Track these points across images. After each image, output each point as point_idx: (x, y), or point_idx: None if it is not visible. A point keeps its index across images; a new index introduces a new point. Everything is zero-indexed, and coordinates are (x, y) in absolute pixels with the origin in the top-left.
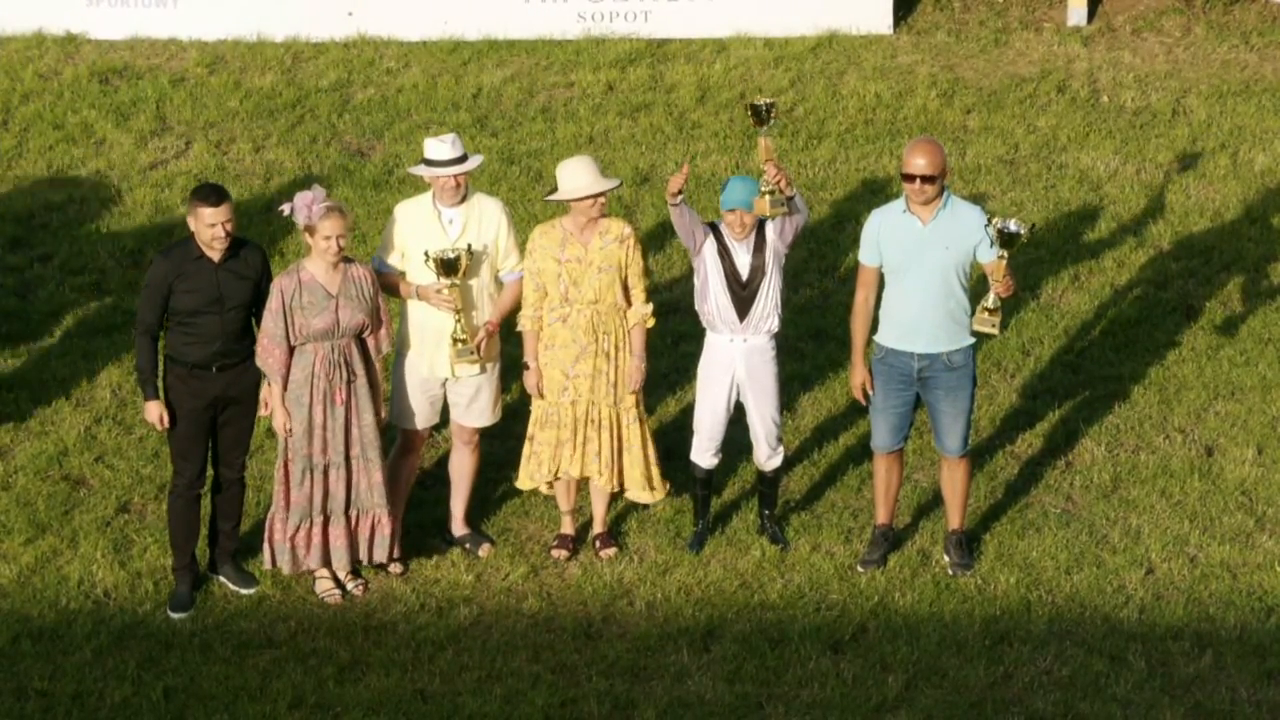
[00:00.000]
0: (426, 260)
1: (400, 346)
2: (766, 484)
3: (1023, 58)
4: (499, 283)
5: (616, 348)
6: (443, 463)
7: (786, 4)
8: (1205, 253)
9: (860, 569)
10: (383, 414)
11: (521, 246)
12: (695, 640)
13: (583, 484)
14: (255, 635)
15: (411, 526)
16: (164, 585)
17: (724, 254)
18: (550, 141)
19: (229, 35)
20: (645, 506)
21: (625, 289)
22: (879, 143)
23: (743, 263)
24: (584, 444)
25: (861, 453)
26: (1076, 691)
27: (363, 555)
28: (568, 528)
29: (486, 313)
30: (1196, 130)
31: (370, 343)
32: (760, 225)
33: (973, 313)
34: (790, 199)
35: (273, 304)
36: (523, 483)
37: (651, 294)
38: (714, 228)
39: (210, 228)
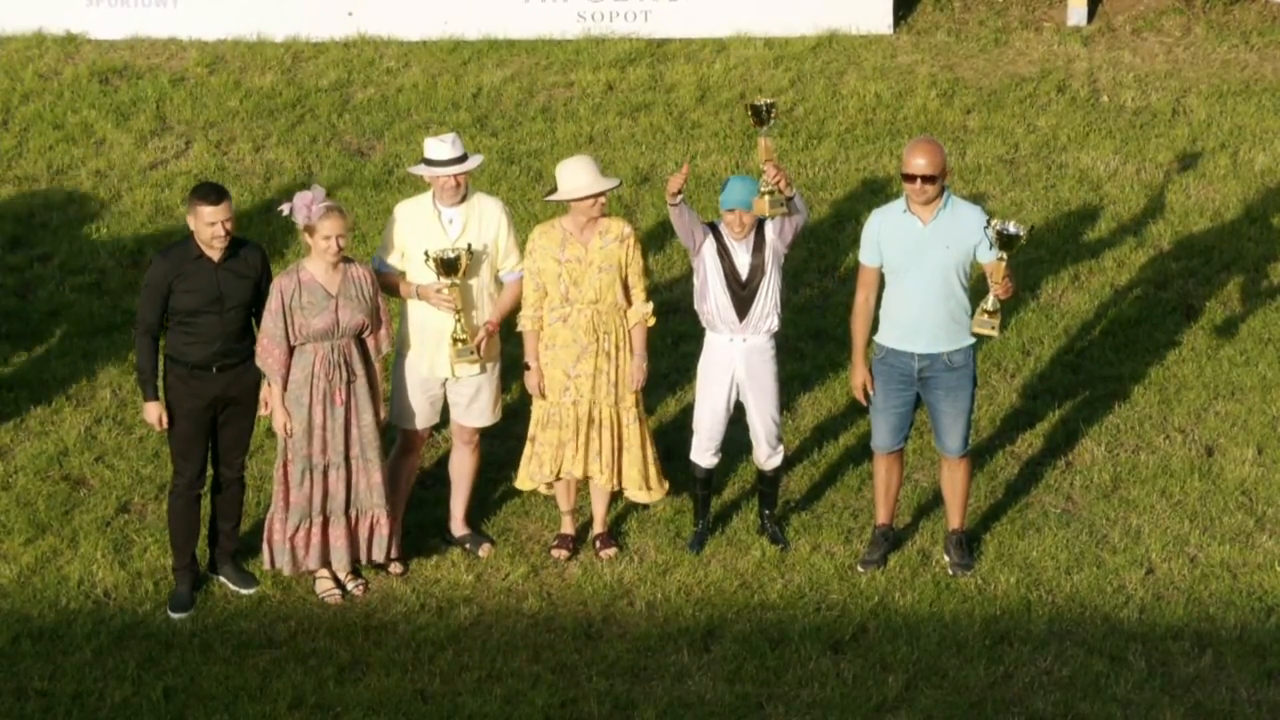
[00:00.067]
0: (426, 260)
1: (400, 346)
2: (766, 484)
3: (1023, 57)
4: (499, 283)
5: (617, 347)
6: (443, 463)
7: (786, 4)
8: (1205, 253)
9: (860, 569)
10: (382, 414)
11: (521, 246)
12: (695, 640)
13: (582, 484)
14: (255, 635)
15: (411, 526)
16: (164, 585)
17: (723, 254)
18: (550, 141)
19: (229, 35)
20: (645, 506)
21: (625, 289)
22: (879, 143)
23: (742, 262)
24: (586, 444)
25: (861, 453)
26: (1076, 691)
27: (362, 555)
28: (568, 528)
29: (486, 313)
30: (1196, 130)
31: (370, 343)
32: (760, 225)
33: (973, 313)
34: (790, 199)
35: (272, 304)
36: (522, 483)
37: (651, 294)
38: (713, 227)
39: (210, 226)
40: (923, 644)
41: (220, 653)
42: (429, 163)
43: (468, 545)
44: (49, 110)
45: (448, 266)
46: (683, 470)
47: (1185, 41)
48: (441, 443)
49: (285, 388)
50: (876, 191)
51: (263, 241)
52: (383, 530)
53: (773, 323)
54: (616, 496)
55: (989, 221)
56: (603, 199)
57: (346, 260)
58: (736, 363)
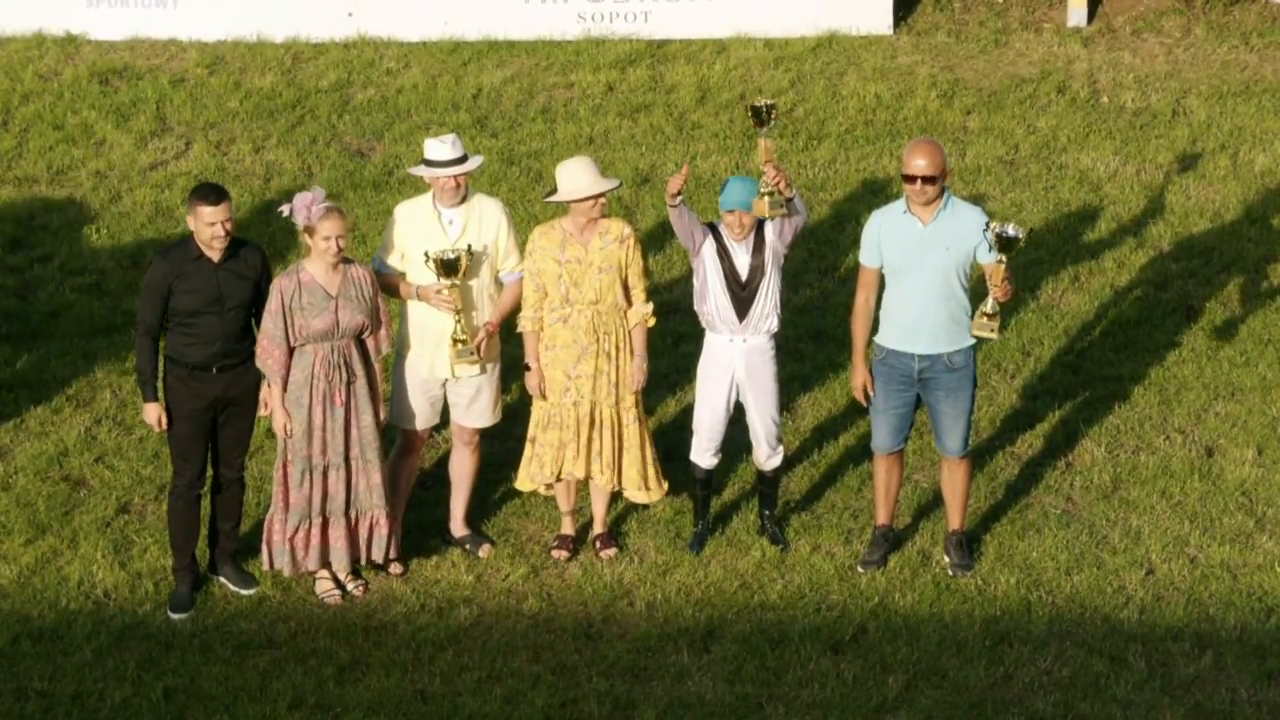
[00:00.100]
0: (426, 261)
1: (400, 347)
2: (766, 484)
3: (1023, 58)
4: (499, 283)
5: (617, 348)
6: (443, 463)
7: (786, 4)
8: (1205, 253)
9: (860, 569)
10: (382, 415)
11: (521, 247)
12: (695, 641)
13: (582, 484)
14: (255, 636)
15: (411, 527)
16: (164, 586)
17: (723, 254)
18: (550, 142)
19: (229, 36)
20: (645, 507)
21: (626, 289)
22: (879, 143)
23: (742, 263)
24: (587, 445)
25: (861, 453)
26: (1076, 692)
27: (362, 555)
28: (568, 528)
29: (486, 313)
30: (1196, 131)
31: (370, 344)
32: (759, 226)
33: (973, 314)
34: (789, 200)
35: (272, 305)
36: (522, 484)
37: (651, 294)
38: (713, 228)
39: (210, 226)
40: (923, 644)
41: (220, 653)
42: (429, 164)
43: (468, 546)
44: (49, 111)
45: (448, 267)
46: (683, 471)
47: (1185, 42)
48: (441, 443)
49: (285, 388)
50: (876, 192)
51: (263, 242)
52: (382, 531)
53: (772, 323)
54: (616, 497)
55: (988, 224)
56: (603, 200)
57: (346, 261)
58: (736, 363)
